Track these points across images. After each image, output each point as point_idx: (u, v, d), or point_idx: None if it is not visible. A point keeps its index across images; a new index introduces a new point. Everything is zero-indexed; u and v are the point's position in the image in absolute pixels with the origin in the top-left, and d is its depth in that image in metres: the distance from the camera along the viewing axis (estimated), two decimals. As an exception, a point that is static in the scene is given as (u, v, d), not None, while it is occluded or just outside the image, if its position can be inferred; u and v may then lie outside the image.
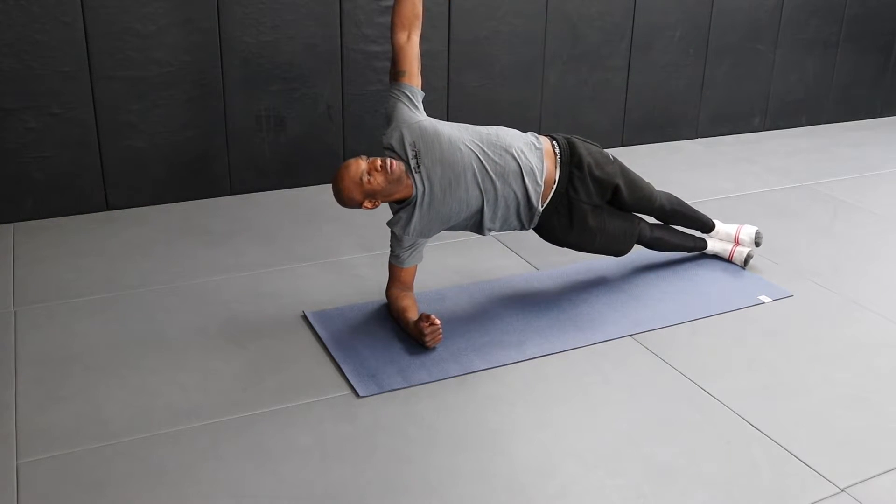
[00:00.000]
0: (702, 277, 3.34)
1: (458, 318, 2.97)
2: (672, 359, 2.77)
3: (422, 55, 3.00)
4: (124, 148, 3.78)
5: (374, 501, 2.11)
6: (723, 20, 5.04)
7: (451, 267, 3.38)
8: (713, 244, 3.47)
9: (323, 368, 2.67)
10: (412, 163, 2.77)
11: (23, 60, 3.49)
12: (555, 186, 2.94)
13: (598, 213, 3.03)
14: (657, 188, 3.25)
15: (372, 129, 4.19)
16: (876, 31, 5.65)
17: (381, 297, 3.05)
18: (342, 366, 2.66)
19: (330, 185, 2.79)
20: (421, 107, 2.91)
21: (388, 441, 2.33)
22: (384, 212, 2.97)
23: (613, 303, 3.12)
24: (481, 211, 2.86)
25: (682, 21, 4.92)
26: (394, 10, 2.93)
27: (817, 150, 5.12)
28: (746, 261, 3.42)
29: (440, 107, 4.35)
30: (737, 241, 3.47)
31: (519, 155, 2.86)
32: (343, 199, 2.74)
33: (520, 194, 2.87)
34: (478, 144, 2.83)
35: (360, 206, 2.75)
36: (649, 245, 3.29)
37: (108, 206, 3.84)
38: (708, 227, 3.44)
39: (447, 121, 3.01)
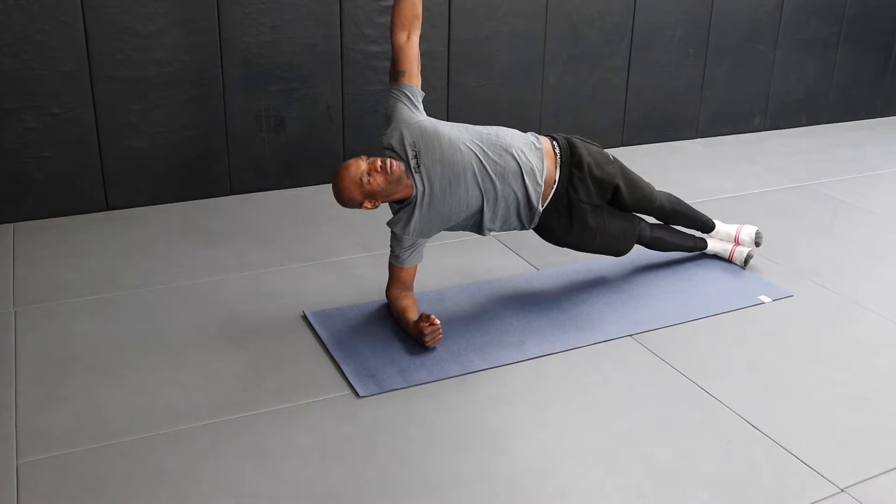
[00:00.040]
0: (702, 277, 3.34)
1: (458, 318, 2.97)
2: (672, 359, 2.77)
3: (422, 55, 3.00)
4: (124, 148, 3.79)
5: (374, 501, 2.11)
6: (723, 20, 5.04)
7: (451, 267, 3.38)
8: (713, 244, 3.47)
9: (323, 368, 2.67)
10: (412, 163, 2.77)
11: (23, 60, 3.49)
12: (555, 186, 2.94)
13: (598, 213, 3.03)
14: (657, 188, 3.25)
15: (372, 129, 4.19)
16: (876, 31, 5.65)
17: (381, 297, 3.05)
18: (342, 366, 2.66)
19: (330, 185, 2.79)
20: (421, 107, 2.91)
21: (388, 441, 2.33)
22: (384, 212, 2.97)
23: (613, 303, 3.12)
24: (481, 211, 2.86)
25: (682, 21, 4.92)
26: (393, 10, 2.93)
27: (817, 150, 5.12)
28: (746, 261, 3.42)
29: (440, 107, 4.35)
30: (737, 241, 3.47)
31: (519, 155, 2.86)
32: (343, 199, 2.74)
33: (520, 194, 2.87)
34: (478, 144, 2.83)
35: (360, 206, 2.75)
36: (649, 245, 3.29)
37: (108, 206, 3.84)
38: (708, 227, 3.44)
39: (447, 121, 3.01)
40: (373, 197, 2.73)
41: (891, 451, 2.35)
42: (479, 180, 2.81)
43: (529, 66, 4.57)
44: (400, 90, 2.89)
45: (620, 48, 4.80)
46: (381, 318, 2.96)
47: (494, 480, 2.19)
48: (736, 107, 5.34)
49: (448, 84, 4.37)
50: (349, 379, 2.59)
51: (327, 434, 2.35)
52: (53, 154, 3.66)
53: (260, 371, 2.64)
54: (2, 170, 3.59)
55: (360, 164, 2.70)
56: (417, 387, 2.58)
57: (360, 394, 2.52)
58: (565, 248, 3.15)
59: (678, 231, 3.39)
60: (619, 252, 3.20)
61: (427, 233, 2.87)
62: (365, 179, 2.69)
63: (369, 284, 3.20)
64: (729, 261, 3.46)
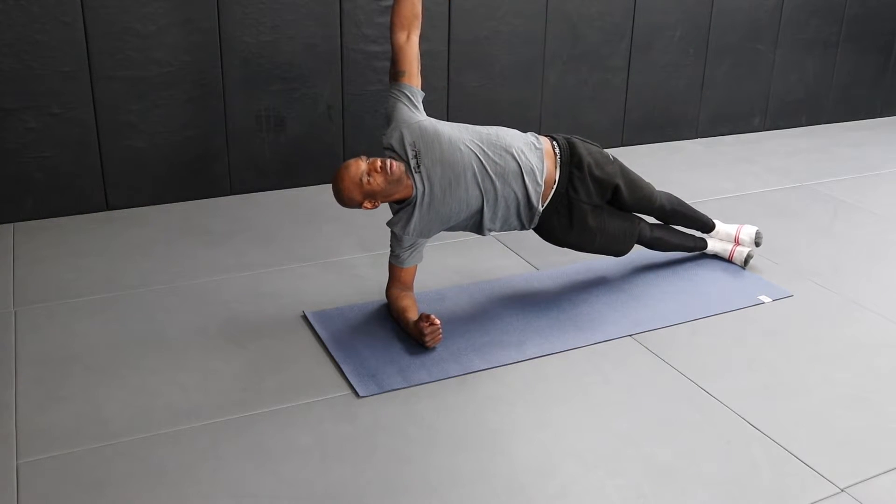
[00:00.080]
0: (702, 277, 3.34)
1: (458, 318, 2.97)
2: (672, 359, 2.77)
3: (422, 55, 3.00)
4: (124, 148, 3.79)
5: (374, 501, 2.11)
6: (723, 20, 5.04)
7: (451, 267, 3.38)
8: (713, 244, 3.47)
9: (323, 368, 2.67)
10: (412, 163, 2.77)
11: (23, 60, 3.49)
12: (555, 186, 2.94)
13: (598, 213, 3.03)
14: (657, 188, 3.25)
15: (372, 129, 4.19)
16: (876, 31, 5.65)
17: (381, 297, 3.05)
18: (342, 366, 2.66)
19: (330, 185, 2.79)
20: (421, 107, 2.91)
21: (388, 441, 2.33)
22: (384, 212, 2.97)
23: (613, 303, 3.12)
24: (481, 211, 2.86)
25: (682, 21, 4.92)
26: (393, 10, 2.93)
27: (817, 150, 5.12)
28: (746, 261, 3.42)
29: (440, 107, 4.35)
30: (737, 241, 3.47)
31: (519, 155, 2.86)
32: (343, 199, 2.74)
33: (520, 194, 2.87)
34: (478, 144, 2.83)
35: (359, 206, 2.75)
36: (649, 245, 3.29)
37: (108, 206, 3.84)
38: (708, 227, 3.44)
39: (447, 121, 3.01)
40: (373, 197, 2.73)
41: (891, 451, 2.35)
42: (479, 180, 2.81)
43: (529, 66, 4.57)
44: (400, 90, 2.89)
45: (620, 48, 4.80)
46: (381, 318, 2.96)
47: (494, 480, 2.19)
48: (736, 107, 5.34)
49: (448, 84, 4.37)
50: (349, 379, 2.59)
51: (327, 434, 2.35)
52: (53, 154, 3.66)
53: (260, 371, 2.64)
54: (2, 170, 3.59)
55: (360, 165, 2.70)
56: (417, 387, 2.58)
57: (360, 394, 2.52)
58: (565, 248, 3.15)
59: (678, 231, 3.39)
60: (619, 252, 3.20)
61: (427, 233, 2.87)
62: (365, 180, 2.69)
63: (369, 284, 3.20)
64: (729, 261, 3.46)
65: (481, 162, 2.81)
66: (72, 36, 3.54)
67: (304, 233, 3.67)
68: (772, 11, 5.19)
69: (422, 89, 2.94)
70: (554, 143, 3.00)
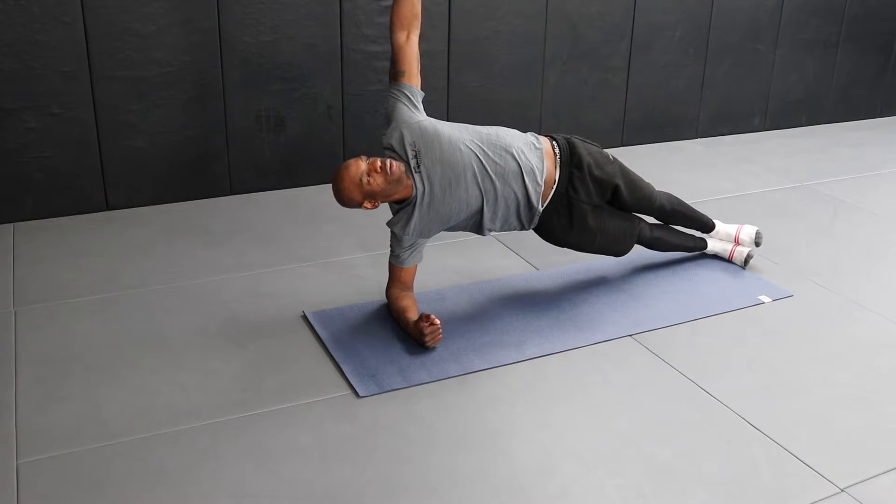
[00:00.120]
0: (702, 277, 3.34)
1: (458, 318, 2.97)
2: (672, 359, 2.77)
3: (422, 55, 3.00)
4: (124, 148, 3.79)
5: (374, 501, 2.11)
6: (723, 20, 5.04)
7: (451, 267, 3.38)
8: (713, 244, 3.47)
9: (323, 368, 2.67)
10: (412, 163, 2.77)
11: (23, 60, 3.49)
12: (555, 186, 2.94)
13: (598, 214, 3.03)
14: (657, 188, 3.25)
15: (372, 129, 4.19)
16: (876, 31, 5.65)
17: (381, 297, 3.05)
18: (342, 366, 2.66)
19: (330, 185, 2.79)
20: (421, 107, 2.91)
21: (388, 441, 2.33)
22: (384, 212, 2.97)
23: (613, 303, 3.12)
24: (481, 211, 2.86)
25: (682, 21, 4.92)
26: (392, 10, 2.93)
27: (817, 150, 5.12)
28: (746, 261, 3.42)
29: (440, 107, 4.35)
30: (737, 241, 3.47)
31: (519, 155, 2.86)
32: (343, 199, 2.74)
33: (520, 194, 2.87)
34: (478, 144, 2.83)
35: (359, 206, 2.75)
36: (649, 245, 3.29)
37: (108, 206, 3.84)
38: (708, 227, 3.44)
39: (447, 121, 3.01)
40: (372, 197, 2.73)
41: (891, 451, 2.35)
42: (479, 180, 2.81)
43: (529, 66, 4.57)
44: (399, 90, 2.89)
45: (620, 48, 4.80)
46: (381, 318, 2.96)
47: (494, 480, 2.19)
48: (736, 107, 5.34)
49: (448, 84, 4.37)
50: (349, 379, 2.59)
51: (327, 434, 2.35)
52: (53, 154, 3.66)
53: (260, 371, 2.64)
54: (2, 170, 3.59)
55: (360, 165, 2.70)
56: (417, 387, 2.58)
57: (360, 394, 2.52)
58: (565, 248, 3.15)
59: (678, 231, 3.39)
60: (619, 252, 3.20)
61: (427, 233, 2.87)
62: (365, 180, 2.69)
63: (369, 284, 3.20)
64: (729, 261, 3.46)
65: (481, 162, 2.81)
66: (72, 36, 3.54)
67: (304, 233, 3.67)
68: (772, 11, 5.19)
69: (422, 89, 2.94)
70: (554, 143, 3.00)
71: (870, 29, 5.61)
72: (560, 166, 2.95)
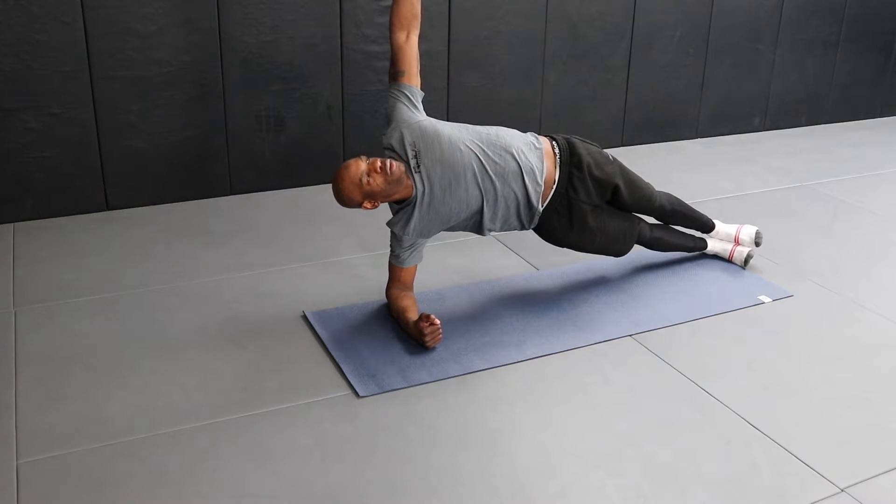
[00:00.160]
0: (702, 277, 3.34)
1: (458, 318, 2.97)
2: (672, 359, 2.77)
3: (421, 55, 3.00)
4: (124, 148, 3.79)
5: (374, 501, 2.11)
6: (723, 20, 5.04)
7: (451, 267, 3.38)
8: (713, 244, 3.47)
9: (323, 368, 2.67)
10: (412, 163, 2.77)
11: (23, 60, 3.49)
12: (554, 186, 2.94)
13: (598, 214, 3.03)
14: (657, 188, 3.25)
15: (372, 129, 4.19)
16: (876, 31, 5.65)
17: (381, 297, 3.05)
18: (342, 366, 2.66)
19: (330, 185, 2.79)
20: (421, 107, 2.91)
21: (388, 441, 2.33)
22: (384, 212, 2.97)
23: (613, 303, 3.12)
24: (481, 211, 2.86)
25: (682, 21, 4.92)
26: (392, 10, 2.93)
27: (817, 150, 5.12)
28: (746, 261, 3.42)
29: (440, 107, 4.35)
30: (737, 241, 3.47)
31: (519, 155, 2.86)
32: (342, 199, 2.74)
33: (520, 194, 2.87)
34: (478, 144, 2.83)
35: (359, 206, 2.75)
36: (649, 245, 3.29)
37: (108, 206, 3.84)
38: (708, 227, 3.44)
39: (447, 121, 3.01)
40: (372, 197, 2.73)
41: (891, 451, 2.35)
42: (479, 180, 2.81)
43: (529, 66, 4.57)
44: (399, 90, 2.89)
45: (620, 48, 4.80)
46: (381, 318, 2.96)
47: (494, 480, 2.19)
48: (736, 107, 5.34)
49: (448, 84, 4.37)
50: (349, 379, 2.59)
51: (327, 434, 2.35)
52: (53, 154, 3.66)
53: (260, 371, 2.64)
54: (2, 170, 3.59)
55: (360, 165, 2.70)
56: (417, 387, 2.58)
57: (360, 394, 2.52)
58: (565, 248, 3.15)
59: (678, 231, 3.39)
60: (618, 252, 3.20)
61: (427, 233, 2.87)
62: (364, 180, 2.69)
63: (369, 284, 3.20)
64: (729, 261, 3.46)
65: (481, 162, 2.81)
66: (72, 36, 3.54)
67: (304, 233, 3.67)
68: (772, 11, 5.19)
69: (421, 89, 2.94)
70: (553, 143, 3.00)
71: (870, 29, 5.61)
72: (560, 166, 2.95)
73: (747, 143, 5.22)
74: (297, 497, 2.11)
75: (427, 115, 2.92)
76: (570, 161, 2.97)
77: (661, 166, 4.63)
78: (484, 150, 2.83)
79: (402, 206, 2.83)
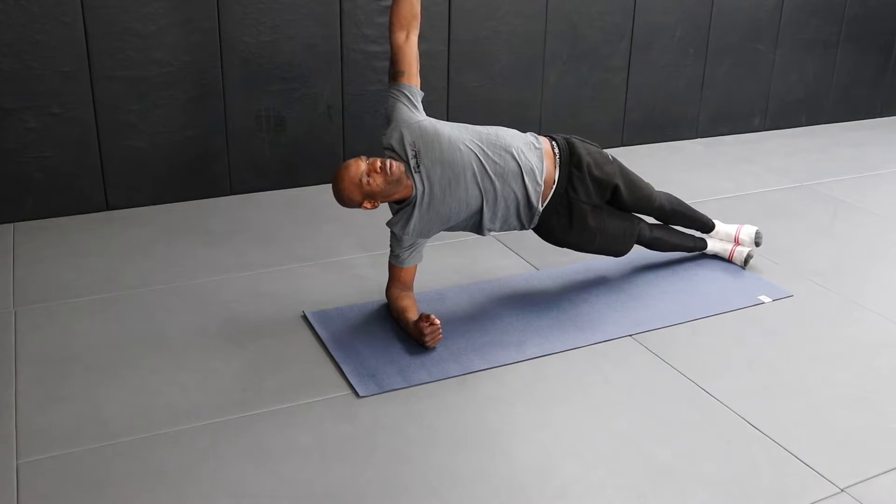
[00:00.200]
0: (702, 277, 3.34)
1: (458, 318, 2.97)
2: (672, 359, 2.77)
3: (421, 55, 3.00)
4: (124, 148, 3.79)
5: (374, 501, 2.11)
6: (723, 20, 5.04)
7: (451, 267, 3.38)
8: (713, 244, 3.47)
9: (323, 368, 2.67)
10: (412, 163, 2.77)
11: (23, 60, 3.49)
12: (554, 186, 2.94)
13: (598, 214, 3.03)
14: (657, 188, 3.25)
15: (372, 129, 4.19)
16: (876, 31, 5.65)
17: (381, 297, 3.05)
18: (342, 366, 2.66)
19: (330, 185, 2.79)
20: (420, 107, 2.91)
21: (388, 441, 2.33)
22: (384, 212, 2.97)
23: (613, 303, 3.12)
24: (481, 211, 2.86)
25: (682, 21, 4.92)
26: (392, 10, 2.93)
27: (817, 150, 5.12)
28: (746, 261, 3.42)
29: (440, 107, 4.35)
30: (737, 241, 3.47)
31: (519, 155, 2.86)
32: (342, 199, 2.74)
33: (519, 194, 2.87)
34: (477, 144, 2.83)
35: (359, 206, 2.75)
36: (649, 245, 3.29)
37: (108, 206, 3.84)
38: (708, 227, 3.44)
39: (447, 121, 3.01)
40: (372, 197, 2.73)
41: (891, 451, 2.35)
42: (479, 180, 2.81)
43: (529, 66, 4.57)
44: (399, 90, 2.89)
45: (620, 48, 4.80)
46: (381, 318, 2.96)
47: (494, 480, 2.19)
48: (736, 107, 5.34)
49: (448, 84, 4.37)
50: (349, 379, 2.59)
51: (327, 434, 2.35)
52: (53, 154, 3.66)
53: (260, 371, 2.64)
54: (2, 170, 3.59)
55: (360, 165, 2.70)
56: (417, 387, 2.58)
57: (360, 394, 2.52)
58: (565, 248, 3.15)
59: (678, 231, 3.39)
60: (618, 252, 3.20)
61: (427, 233, 2.87)
62: (364, 180, 2.69)
63: (369, 284, 3.20)
64: (729, 261, 3.46)
65: (481, 162, 2.81)
66: (72, 36, 3.54)
67: (304, 233, 3.67)
68: (772, 11, 5.19)
69: (421, 89, 2.94)
70: (553, 143, 3.00)
71: (870, 29, 5.61)
72: (559, 166, 2.95)
73: (747, 143, 5.22)
74: (297, 497, 2.11)
75: (427, 115, 2.92)
76: (569, 161, 2.97)
77: (661, 166, 4.63)
78: (484, 150, 2.83)
79: (401, 206, 2.83)
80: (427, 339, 2.71)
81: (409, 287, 2.96)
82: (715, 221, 3.46)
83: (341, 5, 3.99)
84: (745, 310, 3.12)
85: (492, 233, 3.04)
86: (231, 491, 2.12)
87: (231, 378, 2.60)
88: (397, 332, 2.86)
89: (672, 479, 2.21)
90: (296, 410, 2.45)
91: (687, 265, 3.43)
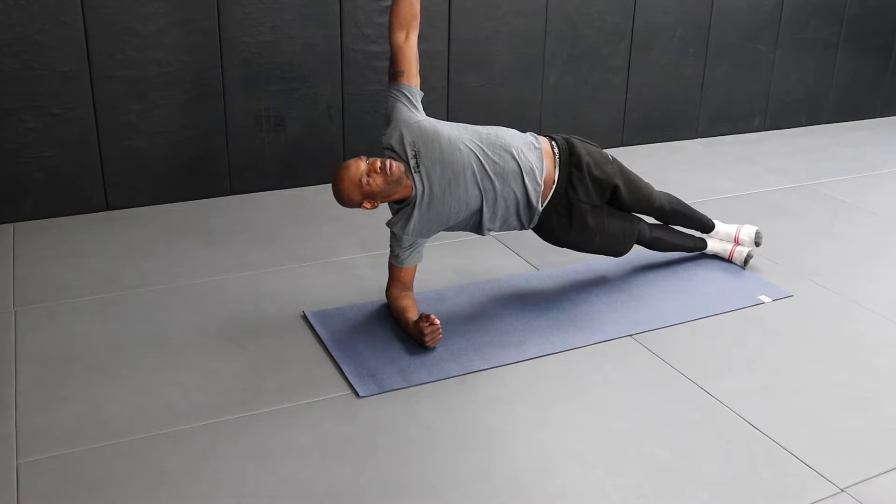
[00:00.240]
0: (702, 277, 3.34)
1: (458, 318, 2.97)
2: (672, 359, 2.77)
3: (421, 55, 3.00)
4: (124, 148, 3.79)
5: (374, 501, 2.11)
6: (723, 20, 5.04)
7: (451, 267, 3.38)
8: (713, 244, 3.47)
9: (323, 368, 2.67)
10: (412, 162, 2.77)
11: (23, 60, 3.49)
12: (554, 186, 2.94)
13: (598, 213, 3.03)
14: (657, 188, 3.25)
15: (372, 129, 4.19)
16: (876, 31, 5.65)
17: (381, 297, 3.05)
18: (342, 366, 2.66)
19: (330, 185, 2.79)
20: (420, 106, 2.91)
21: (388, 441, 2.33)
22: (384, 212, 2.97)
23: (613, 303, 3.12)
24: (480, 211, 2.86)
25: (682, 21, 4.92)
26: (391, 10, 2.93)
27: (817, 150, 5.12)
28: (746, 261, 3.42)
29: (440, 107, 4.35)
30: (737, 241, 3.47)
31: (518, 155, 2.86)
32: (342, 199, 2.74)
33: (519, 194, 2.87)
34: (477, 144, 2.83)
35: (359, 206, 2.76)
36: (649, 245, 3.29)
37: (108, 206, 3.84)
38: (708, 227, 3.44)
39: (447, 121, 3.01)
40: (372, 197, 2.73)
41: (891, 451, 2.35)
42: (479, 180, 2.81)
43: (529, 66, 4.57)
44: (399, 90, 2.89)
45: (620, 48, 4.80)
46: (381, 318, 2.96)
47: (494, 480, 2.19)
48: (736, 107, 5.34)
49: (448, 84, 4.37)
50: (349, 379, 2.59)
51: (327, 434, 2.35)
52: (53, 154, 3.66)
53: (260, 371, 2.64)
54: (2, 170, 3.59)
55: (360, 165, 2.70)
56: (417, 387, 2.58)
57: (360, 394, 2.52)
58: (565, 248, 3.15)
59: (678, 231, 3.39)
60: (618, 252, 3.20)
61: (426, 233, 2.87)
62: (364, 180, 2.69)
63: (369, 284, 3.20)
64: (729, 261, 3.46)
65: (481, 161, 2.81)
66: (72, 36, 3.54)
67: (304, 233, 3.67)
68: (772, 11, 5.19)
69: (421, 89, 2.94)
70: (553, 142, 3.00)
71: (870, 29, 5.61)
72: (559, 166, 2.95)
73: (747, 143, 5.22)
74: (297, 497, 2.11)
75: (427, 115, 2.92)
76: (569, 161, 2.97)
77: (661, 166, 4.63)
78: (483, 150, 2.83)
79: (401, 206, 2.83)
80: (427, 339, 2.71)
81: (408, 287, 2.96)
82: (715, 221, 3.46)
83: (341, 5, 3.99)
84: (745, 310, 3.12)
85: (491, 233, 3.04)
86: (231, 491, 2.12)
87: (231, 378, 2.60)
88: (397, 332, 2.86)
89: (672, 479, 2.21)
90: (296, 410, 2.45)
91: (687, 265, 3.43)
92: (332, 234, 3.67)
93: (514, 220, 2.95)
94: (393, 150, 2.81)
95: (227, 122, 3.95)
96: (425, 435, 2.36)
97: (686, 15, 4.91)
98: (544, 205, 2.95)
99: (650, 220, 3.32)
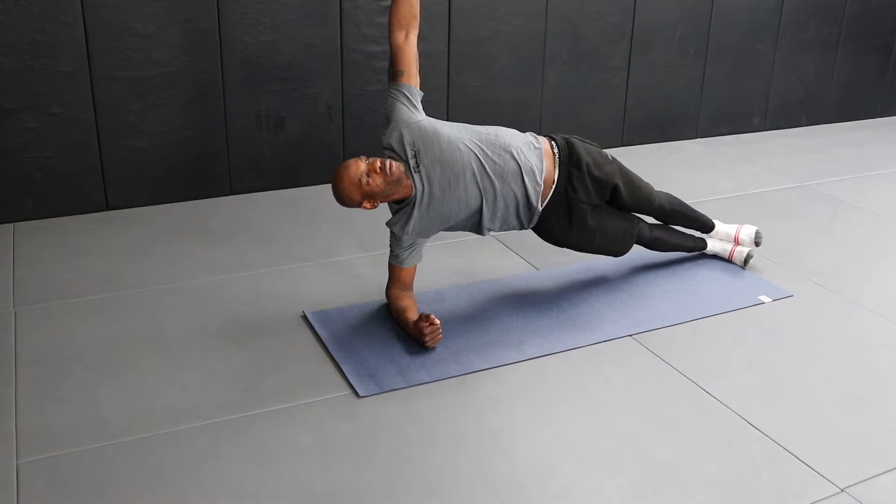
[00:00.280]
0: (702, 277, 3.34)
1: (458, 318, 2.97)
2: (672, 359, 2.77)
3: (421, 55, 3.00)
4: (124, 148, 3.79)
5: (374, 501, 2.11)
6: (723, 20, 5.04)
7: (451, 267, 3.38)
8: (713, 244, 3.47)
9: (323, 368, 2.67)
10: (411, 162, 2.77)
11: (23, 60, 3.49)
12: (554, 186, 2.94)
13: (598, 213, 3.03)
14: (657, 188, 3.25)
15: (372, 129, 4.19)
16: (876, 31, 5.65)
17: (381, 297, 3.05)
18: (342, 366, 2.66)
19: (330, 185, 2.79)
20: (420, 106, 2.91)
21: (388, 441, 2.33)
22: (384, 212, 2.97)
23: (613, 303, 3.12)
24: (480, 211, 2.86)
25: (682, 21, 4.92)
26: (391, 10, 2.93)
27: (817, 150, 5.12)
28: (746, 261, 3.42)
29: (440, 107, 4.35)
30: (737, 241, 3.47)
31: (518, 154, 2.86)
32: (342, 199, 2.74)
33: (519, 194, 2.87)
34: (477, 144, 2.83)
35: (359, 206, 2.76)
36: (649, 245, 3.29)
37: (108, 206, 3.84)
38: (708, 227, 3.44)
39: (447, 121, 3.01)
40: (372, 197, 2.73)
41: (891, 451, 2.35)
42: (479, 180, 2.81)
43: (529, 66, 4.57)
44: (398, 90, 2.89)
45: (620, 48, 4.80)
46: (381, 318, 2.96)
47: (494, 480, 2.19)
48: (736, 107, 5.34)
49: (448, 84, 4.37)
50: (349, 379, 2.59)
51: (327, 434, 2.35)
52: (53, 154, 3.66)
53: (260, 371, 2.64)
54: (2, 170, 3.59)
55: (360, 165, 2.70)
56: (417, 387, 2.58)
57: (360, 394, 2.52)
58: (565, 248, 3.15)
59: (678, 231, 3.39)
60: (618, 252, 3.20)
61: (426, 233, 2.87)
62: (364, 180, 2.69)
63: (369, 284, 3.20)
64: (729, 261, 3.46)
65: (480, 161, 2.81)
66: (72, 36, 3.54)
67: (304, 233, 3.67)
68: (772, 11, 5.19)
69: (421, 89, 2.94)
70: (552, 142, 3.00)
71: (870, 29, 5.61)
72: (559, 166, 2.95)
73: (747, 143, 5.22)
74: (297, 497, 2.11)
75: (427, 115, 2.92)
76: (569, 161, 2.97)
77: (661, 166, 4.63)
78: (483, 150, 2.83)
79: (401, 206, 2.83)
80: (427, 339, 2.71)
81: (408, 287, 2.96)
82: (715, 221, 3.46)
83: (341, 5, 3.99)
84: (745, 310, 3.12)
85: (491, 233, 3.04)
86: (231, 491, 2.12)
87: (231, 378, 2.60)
88: (397, 332, 2.86)
89: (672, 479, 2.21)
90: (296, 410, 2.45)
91: (687, 265, 3.43)
92: (332, 234, 3.67)
93: (513, 220, 2.95)
94: (393, 150, 2.81)
95: (227, 122, 3.95)
96: (425, 435, 2.36)
97: (686, 15, 4.91)
98: (544, 205, 2.95)
99: (650, 220, 3.32)
